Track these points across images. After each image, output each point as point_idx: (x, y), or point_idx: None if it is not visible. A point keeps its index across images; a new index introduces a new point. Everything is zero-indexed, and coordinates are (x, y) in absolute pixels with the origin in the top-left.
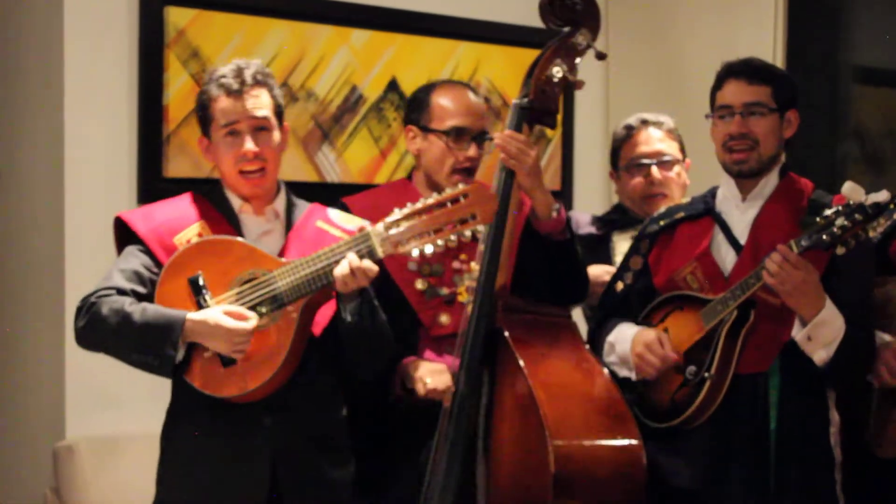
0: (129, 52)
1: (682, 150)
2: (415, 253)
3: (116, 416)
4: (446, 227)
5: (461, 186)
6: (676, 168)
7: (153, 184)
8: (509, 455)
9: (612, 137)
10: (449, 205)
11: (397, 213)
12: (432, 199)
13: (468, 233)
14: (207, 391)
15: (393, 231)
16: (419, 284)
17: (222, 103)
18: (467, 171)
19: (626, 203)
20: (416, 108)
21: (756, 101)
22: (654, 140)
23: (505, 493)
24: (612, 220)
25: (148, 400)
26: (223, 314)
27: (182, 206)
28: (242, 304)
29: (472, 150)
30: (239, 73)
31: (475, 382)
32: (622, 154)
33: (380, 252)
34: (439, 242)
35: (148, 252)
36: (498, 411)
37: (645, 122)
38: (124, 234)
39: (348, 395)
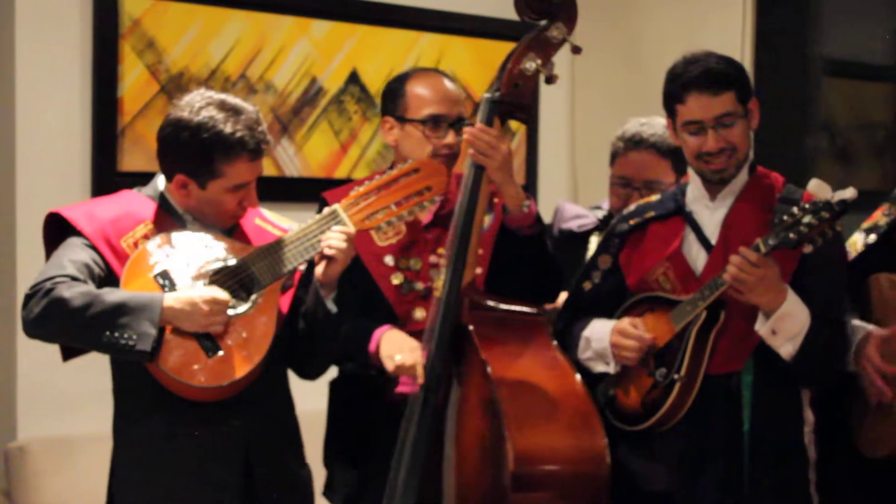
0: (82, 43)
1: (680, 165)
2: (383, 227)
3: (69, 417)
4: (405, 200)
5: (410, 162)
6: (662, 190)
7: (107, 178)
8: (474, 452)
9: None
10: (403, 179)
11: (357, 190)
12: (386, 175)
13: (426, 204)
14: (183, 379)
15: (361, 204)
16: (395, 279)
17: (240, 166)
18: (446, 159)
19: (613, 210)
20: (391, 99)
21: (726, 111)
22: (644, 165)
23: (470, 491)
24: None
25: (101, 400)
26: (198, 289)
27: (125, 205)
28: None
29: (449, 137)
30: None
31: (440, 379)
32: (614, 164)
33: (352, 226)
34: (404, 214)
35: (94, 248)
36: (463, 408)
37: (639, 143)
38: (57, 230)
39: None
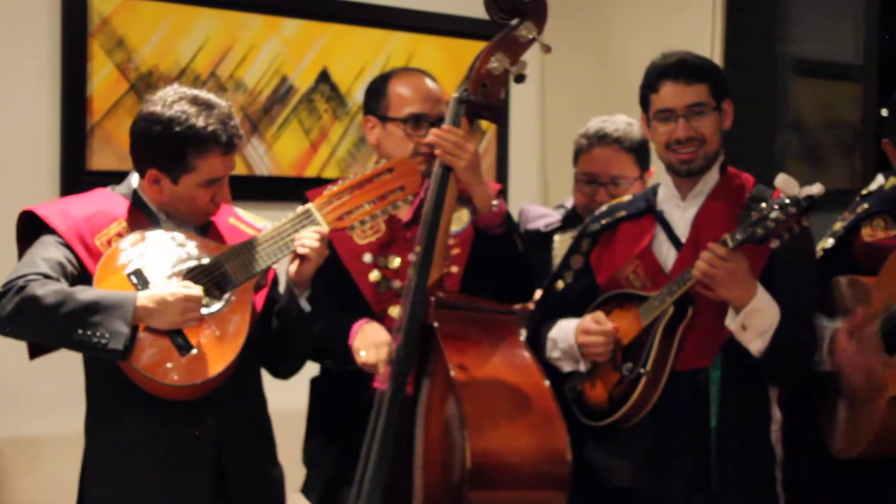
0: (51, 41)
1: (644, 159)
2: (356, 226)
3: (38, 417)
4: (379, 200)
5: (384, 162)
6: (627, 185)
7: (77, 177)
8: (437, 450)
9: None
10: (376, 179)
11: (331, 189)
12: (360, 174)
13: (400, 204)
14: (156, 377)
15: (334, 203)
16: (373, 276)
17: (213, 160)
18: (428, 157)
19: (578, 207)
20: (373, 98)
21: (697, 101)
22: (608, 161)
23: (435, 488)
24: (570, 220)
25: (71, 400)
26: (171, 287)
27: (98, 203)
28: None
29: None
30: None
31: (406, 377)
32: (578, 162)
33: (325, 225)
34: (377, 213)
35: (67, 246)
36: (428, 406)
37: (603, 139)
38: (31, 228)
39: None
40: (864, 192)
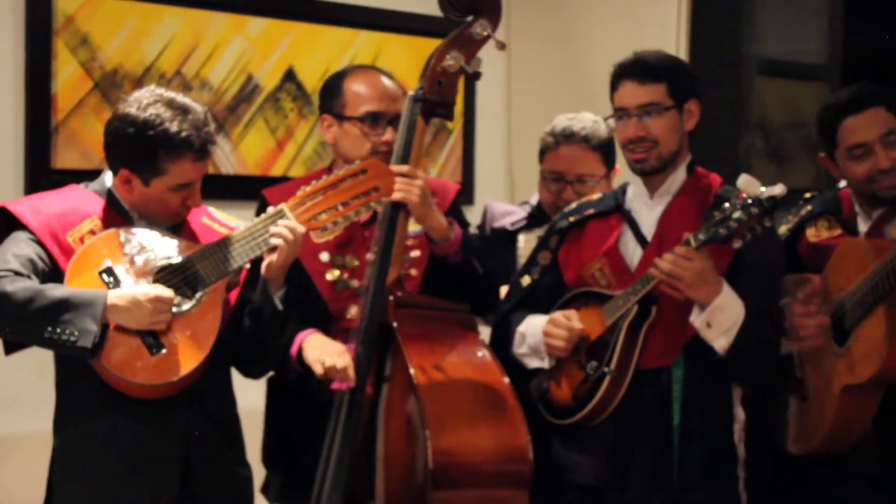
0: (14, 39)
1: (610, 158)
2: (329, 227)
3: (6, 415)
4: (352, 200)
5: (358, 163)
6: (593, 183)
7: (41, 175)
8: (399, 450)
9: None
10: (350, 180)
11: (304, 190)
12: (334, 175)
13: (373, 205)
14: (126, 376)
15: (307, 204)
16: (330, 275)
17: (184, 165)
18: (385, 156)
19: (544, 204)
20: (329, 96)
21: (650, 101)
22: (575, 159)
23: (397, 488)
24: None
25: (39, 398)
26: (142, 287)
27: (71, 200)
28: None
29: (388, 135)
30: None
31: (365, 377)
32: (544, 160)
33: (300, 225)
34: (350, 215)
35: (39, 243)
36: (388, 406)
37: (569, 137)
38: (3, 224)
39: (274, 391)
40: (806, 195)
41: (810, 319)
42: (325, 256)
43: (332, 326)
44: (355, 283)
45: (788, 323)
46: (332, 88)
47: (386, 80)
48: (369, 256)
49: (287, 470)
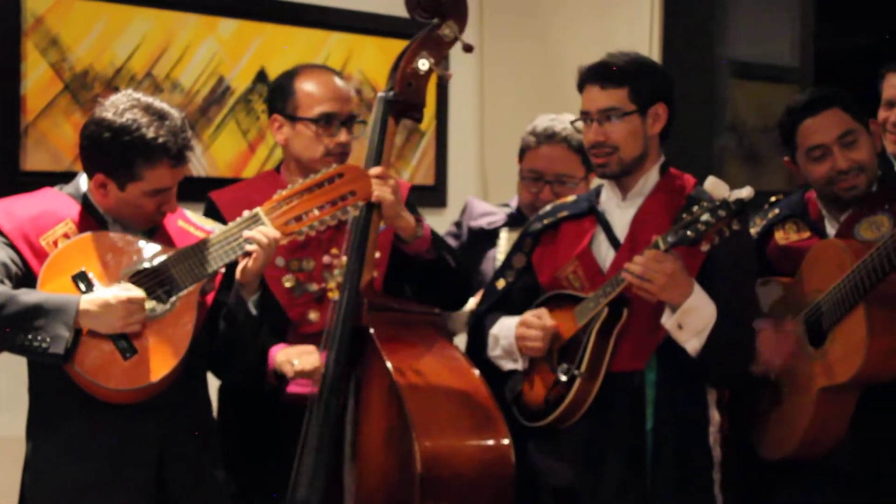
0: None
1: (589, 160)
2: (303, 231)
3: None
4: (328, 205)
5: (335, 166)
6: (572, 185)
7: (11, 178)
8: (377, 456)
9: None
10: (326, 184)
11: (280, 194)
12: (310, 179)
13: (350, 209)
14: (99, 381)
15: (283, 208)
16: (287, 282)
17: (161, 171)
18: (338, 158)
19: (522, 205)
20: (280, 97)
21: (610, 106)
22: (555, 159)
23: (373, 495)
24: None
25: (11, 402)
26: (113, 290)
27: (45, 203)
28: None
29: (342, 136)
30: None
31: (340, 382)
32: (524, 159)
33: (274, 229)
34: (326, 219)
35: (11, 246)
36: (365, 411)
37: (551, 137)
38: None
39: (226, 397)
40: (772, 198)
41: (778, 356)
42: (279, 261)
43: (290, 333)
44: (314, 286)
45: (759, 349)
46: (283, 88)
47: (338, 81)
48: (326, 259)
49: (247, 476)
